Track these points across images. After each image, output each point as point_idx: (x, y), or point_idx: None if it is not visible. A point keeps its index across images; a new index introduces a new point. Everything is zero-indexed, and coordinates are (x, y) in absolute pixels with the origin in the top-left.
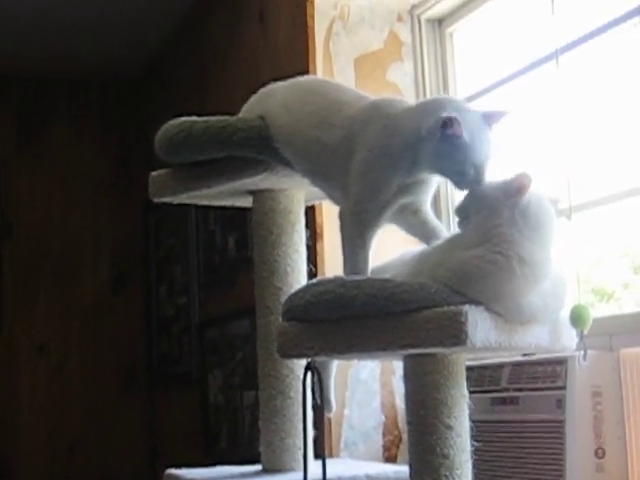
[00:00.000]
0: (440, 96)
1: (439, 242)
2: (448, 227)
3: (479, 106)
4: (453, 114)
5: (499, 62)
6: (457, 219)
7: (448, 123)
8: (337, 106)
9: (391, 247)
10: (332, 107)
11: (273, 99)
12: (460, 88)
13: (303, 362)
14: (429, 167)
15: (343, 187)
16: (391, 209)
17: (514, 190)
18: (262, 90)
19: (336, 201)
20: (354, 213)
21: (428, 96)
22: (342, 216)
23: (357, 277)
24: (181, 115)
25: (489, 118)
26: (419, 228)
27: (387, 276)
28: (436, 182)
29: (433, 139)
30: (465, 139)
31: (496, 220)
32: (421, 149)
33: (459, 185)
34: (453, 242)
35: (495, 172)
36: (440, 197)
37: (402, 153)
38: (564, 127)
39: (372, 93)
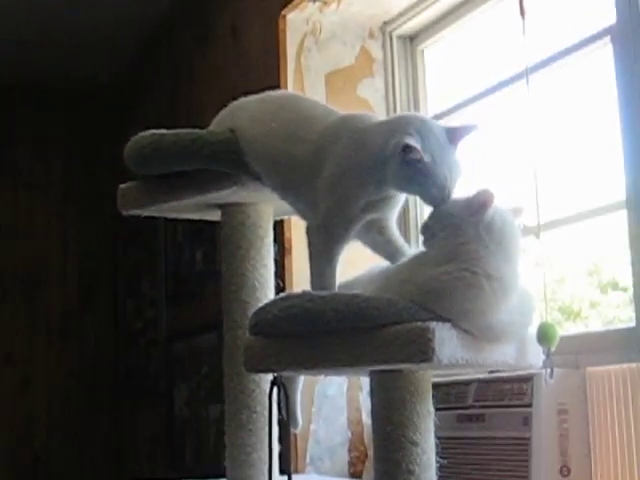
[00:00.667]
0: (406, 114)
1: (407, 259)
2: (417, 244)
3: (449, 123)
4: (411, 141)
5: (470, 80)
6: (422, 238)
7: (407, 149)
8: (307, 120)
9: (359, 262)
10: (302, 121)
11: (244, 113)
12: (431, 105)
13: (269, 377)
14: (394, 186)
15: (311, 201)
16: (358, 224)
17: (477, 207)
18: (233, 104)
19: (304, 216)
20: (322, 228)
21: (398, 112)
22: (310, 231)
23: (325, 292)
24: (151, 127)
25: (455, 134)
26: (385, 246)
27: (355, 292)
28: (403, 199)
29: (395, 161)
30: (426, 161)
31: (461, 238)
32: (386, 168)
33: (425, 202)
34: (420, 259)
35: (463, 189)
36: (409, 212)
37: (369, 169)
38: (533, 145)
39: (343, 108)
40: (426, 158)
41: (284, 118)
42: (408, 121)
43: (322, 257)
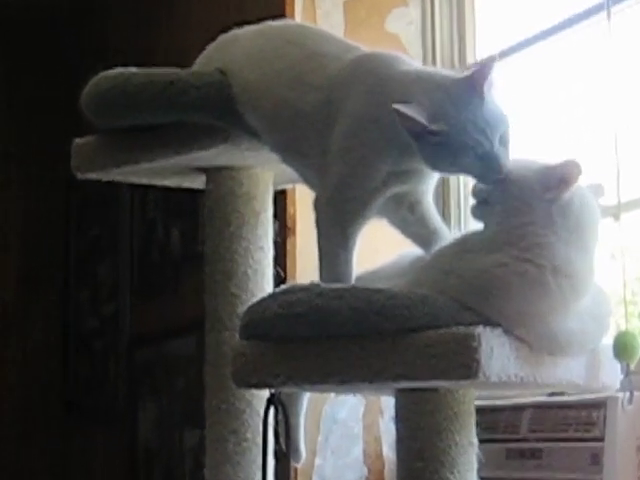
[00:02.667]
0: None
1: (447, 244)
2: (459, 226)
3: (503, 71)
4: (403, 108)
5: (532, 12)
6: (473, 202)
7: (401, 117)
8: (317, 60)
9: (383, 248)
10: (311, 62)
11: (238, 49)
12: (482, 43)
13: (265, 394)
14: (425, 164)
15: (320, 167)
16: (381, 198)
17: (556, 181)
18: (224, 37)
19: (312, 185)
20: (334, 202)
21: (439, 53)
22: (318, 205)
23: (338, 285)
24: (118, 64)
25: (473, 81)
26: (417, 228)
27: (378, 285)
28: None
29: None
30: (438, 130)
31: (527, 216)
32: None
33: (480, 182)
34: (466, 243)
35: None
36: (448, 185)
37: (394, 131)
38: (613, 102)
39: (366, 45)
40: (437, 127)
41: (289, 57)
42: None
43: (334, 239)
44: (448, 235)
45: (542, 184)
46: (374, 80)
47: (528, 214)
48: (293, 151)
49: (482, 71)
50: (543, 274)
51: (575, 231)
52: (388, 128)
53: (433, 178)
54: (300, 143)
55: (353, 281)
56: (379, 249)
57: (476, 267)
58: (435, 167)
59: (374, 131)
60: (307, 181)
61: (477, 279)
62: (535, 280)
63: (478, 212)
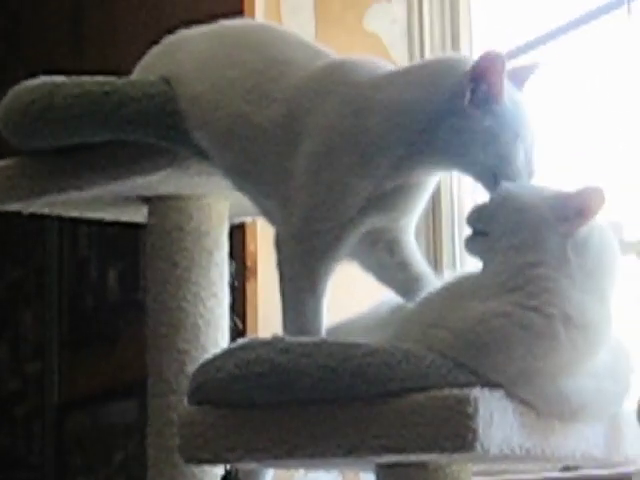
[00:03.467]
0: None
1: (436, 289)
2: (451, 268)
3: None
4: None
5: (538, 9)
6: (468, 233)
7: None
8: (279, 68)
9: (360, 292)
10: (271, 69)
11: (185, 54)
12: (478, 46)
13: (219, 471)
14: (440, 159)
15: (282, 196)
16: (357, 232)
17: (574, 211)
18: (170, 39)
19: (271, 218)
20: (299, 237)
21: (428, 55)
22: (280, 242)
23: (307, 338)
24: (40, 72)
25: (514, 79)
26: (396, 273)
27: (354, 339)
28: (427, 195)
29: (456, 119)
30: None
31: (537, 254)
32: (437, 129)
33: (493, 183)
34: (459, 288)
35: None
36: (437, 216)
37: (378, 144)
38: (633, 113)
39: (342, 49)
40: (486, 121)
41: (245, 64)
42: (455, 64)
43: (301, 283)
44: (434, 281)
45: (556, 214)
46: (351, 88)
47: (538, 251)
48: (249, 176)
49: (522, 71)
50: (553, 325)
51: (592, 273)
52: (370, 142)
53: (417, 208)
54: (257, 166)
55: (324, 334)
56: (355, 294)
57: (471, 317)
58: (460, 155)
59: (351, 148)
60: (266, 213)
61: (472, 332)
62: (543, 333)
63: (475, 246)
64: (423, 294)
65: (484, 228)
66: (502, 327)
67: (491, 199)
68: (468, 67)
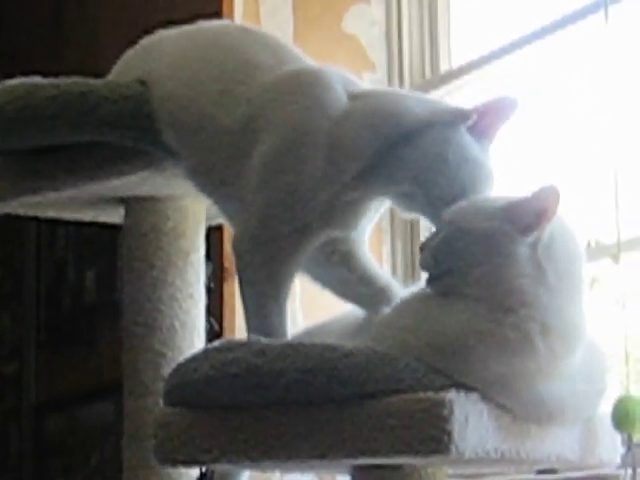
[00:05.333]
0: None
1: (413, 292)
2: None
3: (483, 78)
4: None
5: (518, 12)
6: (427, 275)
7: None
8: (249, 70)
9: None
10: (242, 71)
11: (162, 55)
12: (457, 48)
13: (195, 472)
14: (404, 174)
15: (240, 196)
16: (315, 241)
17: (533, 216)
18: (147, 39)
19: (232, 220)
20: (258, 240)
21: (407, 59)
22: (239, 246)
23: (282, 341)
24: (17, 73)
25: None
26: (359, 288)
27: (329, 342)
28: (382, 206)
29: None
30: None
31: (511, 269)
32: (413, 141)
33: (436, 214)
34: (432, 297)
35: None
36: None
37: (359, 146)
38: (611, 119)
39: (320, 50)
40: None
41: (217, 65)
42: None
43: (261, 287)
44: (401, 290)
45: (516, 226)
46: (320, 92)
47: (511, 267)
48: (212, 177)
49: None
50: (530, 340)
51: (565, 273)
52: (340, 147)
53: (374, 219)
54: (221, 168)
55: (289, 338)
56: (328, 296)
57: (449, 331)
58: (424, 172)
59: (317, 149)
60: (228, 216)
61: (449, 344)
62: (521, 348)
63: (441, 286)
64: (390, 305)
65: (446, 267)
66: (480, 343)
67: (440, 237)
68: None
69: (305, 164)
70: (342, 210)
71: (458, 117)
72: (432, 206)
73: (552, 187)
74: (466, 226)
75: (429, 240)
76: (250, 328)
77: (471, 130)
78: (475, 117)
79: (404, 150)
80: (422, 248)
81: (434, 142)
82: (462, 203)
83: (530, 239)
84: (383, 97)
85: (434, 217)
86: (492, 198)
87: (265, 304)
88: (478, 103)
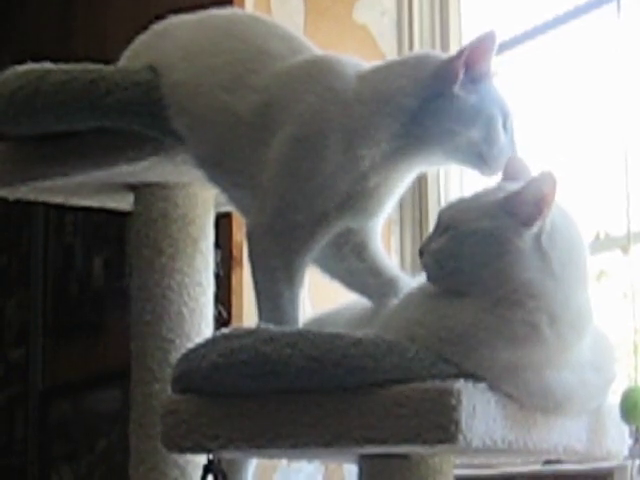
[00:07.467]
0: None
1: (413, 289)
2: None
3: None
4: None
5: (531, 2)
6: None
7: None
8: (262, 58)
9: (329, 290)
10: (254, 59)
11: (172, 42)
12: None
13: (202, 459)
14: (425, 148)
15: (256, 186)
16: (331, 231)
17: (533, 205)
18: (156, 27)
19: (243, 209)
20: (275, 229)
21: (417, 47)
22: (253, 234)
23: (291, 329)
24: (27, 59)
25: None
26: (367, 278)
27: (338, 330)
28: (398, 194)
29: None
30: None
31: (517, 264)
32: (423, 116)
33: (480, 164)
34: (438, 291)
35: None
36: (427, 198)
37: (374, 130)
38: (622, 111)
39: (330, 40)
40: (471, 99)
41: (229, 53)
42: (434, 53)
43: (276, 274)
44: (410, 282)
45: (518, 218)
46: (332, 80)
47: (517, 262)
48: (223, 166)
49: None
50: (539, 331)
51: (569, 261)
52: (356, 133)
53: (385, 212)
54: (232, 156)
55: (301, 325)
56: (336, 285)
57: (458, 323)
58: (445, 140)
59: (334, 137)
60: (238, 205)
61: (458, 337)
62: (530, 339)
63: (449, 283)
64: (398, 297)
65: (450, 270)
66: (488, 334)
67: (441, 242)
68: (445, 57)
69: (323, 153)
70: (362, 198)
71: (447, 79)
72: (466, 161)
73: (547, 173)
74: (467, 228)
75: (426, 245)
76: (262, 316)
77: (467, 77)
78: (463, 69)
79: (416, 126)
80: (421, 252)
81: (441, 107)
82: (457, 204)
83: (534, 229)
84: (388, 77)
85: (474, 167)
86: (485, 193)
87: (279, 292)
88: (454, 53)
